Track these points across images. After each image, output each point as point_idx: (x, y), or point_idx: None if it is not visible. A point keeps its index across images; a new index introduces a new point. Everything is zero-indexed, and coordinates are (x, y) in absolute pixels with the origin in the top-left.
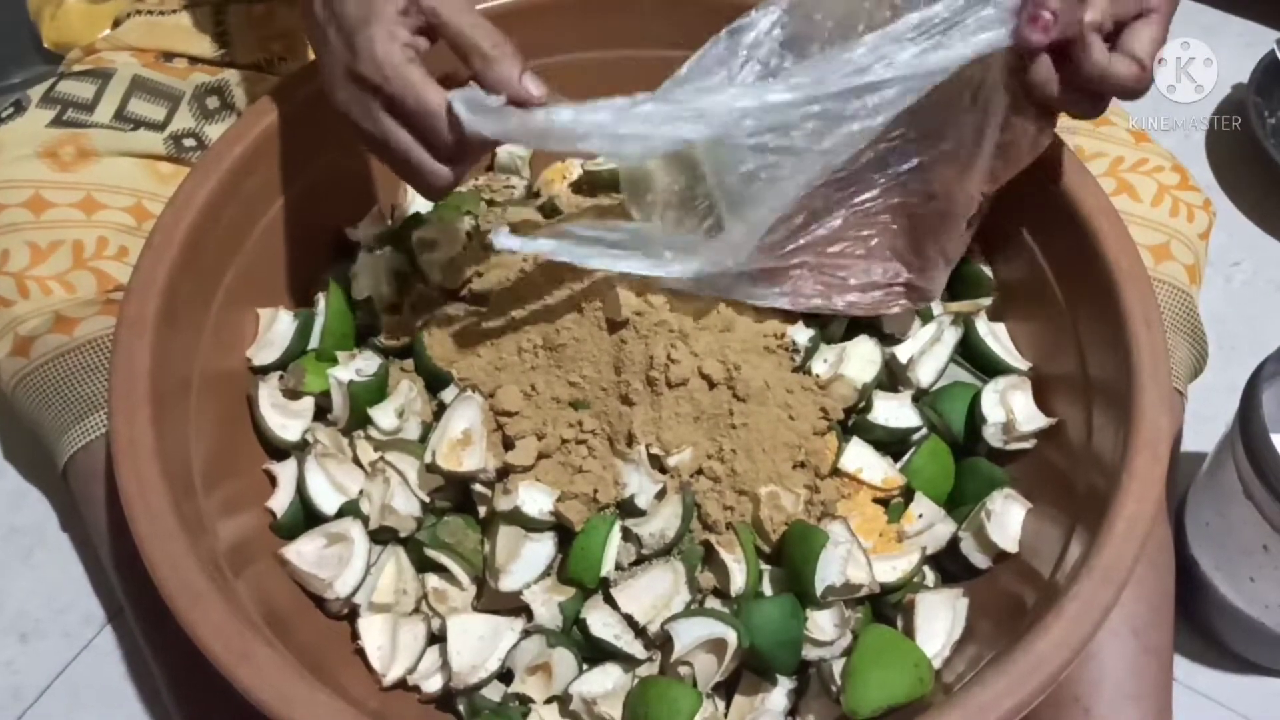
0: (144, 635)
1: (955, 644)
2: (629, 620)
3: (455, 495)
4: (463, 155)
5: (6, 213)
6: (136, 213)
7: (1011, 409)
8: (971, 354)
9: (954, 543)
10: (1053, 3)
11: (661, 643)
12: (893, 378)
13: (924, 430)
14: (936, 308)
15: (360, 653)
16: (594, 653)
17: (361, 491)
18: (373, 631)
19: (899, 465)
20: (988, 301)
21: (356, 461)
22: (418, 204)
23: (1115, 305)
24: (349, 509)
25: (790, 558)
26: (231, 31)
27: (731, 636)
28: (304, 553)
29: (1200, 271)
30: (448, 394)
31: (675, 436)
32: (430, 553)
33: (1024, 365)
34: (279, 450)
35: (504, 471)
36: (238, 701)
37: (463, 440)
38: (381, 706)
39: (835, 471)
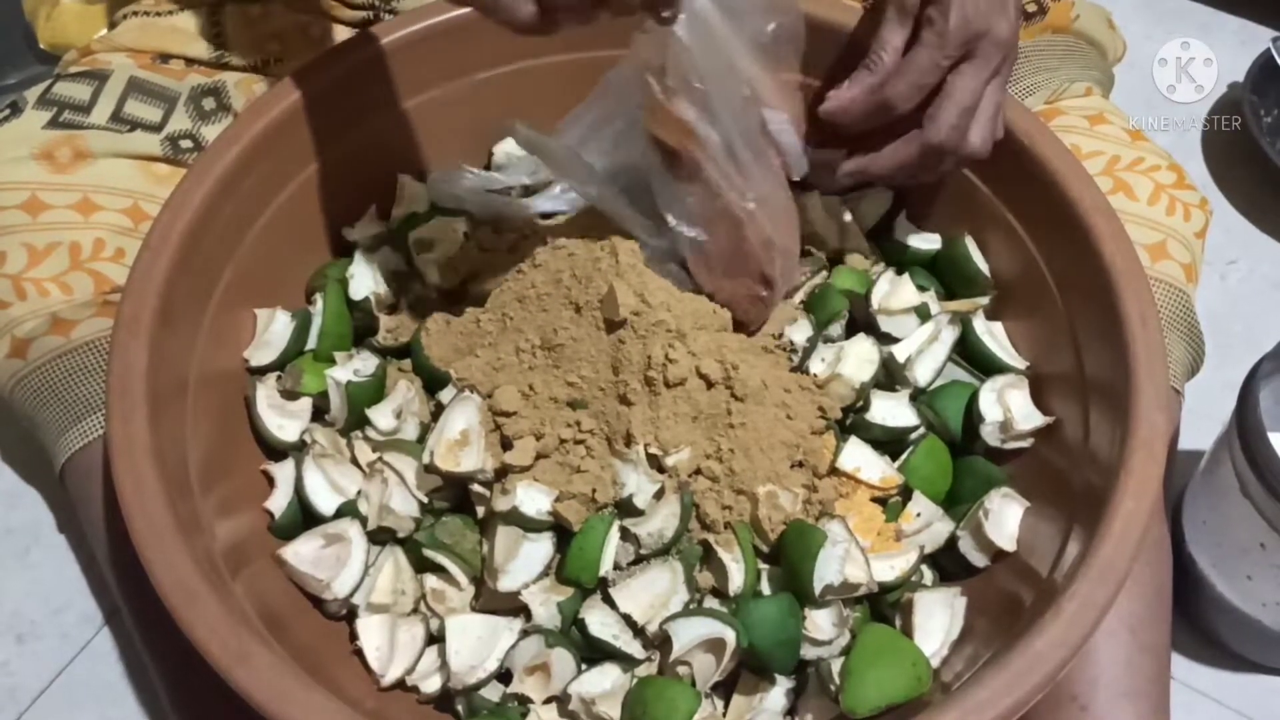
0: (141, 636)
1: (953, 643)
2: (627, 620)
3: (453, 495)
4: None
5: (3, 215)
6: (133, 214)
7: (1009, 408)
8: (969, 353)
9: (952, 541)
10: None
11: (660, 642)
12: (890, 377)
13: (922, 429)
14: (934, 307)
15: (358, 653)
16: (592, 652)
17: (359, 492)
18: (371, 632)
19: (897, 464)
20: (985, 300)
21: (354, 462)
22: (415, 204)
23: (1112, 304)
24: (347, 509)
25: (788, 557)
26: (228, 33)
27: (730, 636)
28: (301, 553)
29: (1197, 270)
30: (446, 394)
31: (673, 436)
32: (428, 553)
33: (1021, 364)
34: (276, 451)
35: (502, 471)
36: (235, 702)
37: (461, 440)
38: (380, 707)
39: (833, 470)
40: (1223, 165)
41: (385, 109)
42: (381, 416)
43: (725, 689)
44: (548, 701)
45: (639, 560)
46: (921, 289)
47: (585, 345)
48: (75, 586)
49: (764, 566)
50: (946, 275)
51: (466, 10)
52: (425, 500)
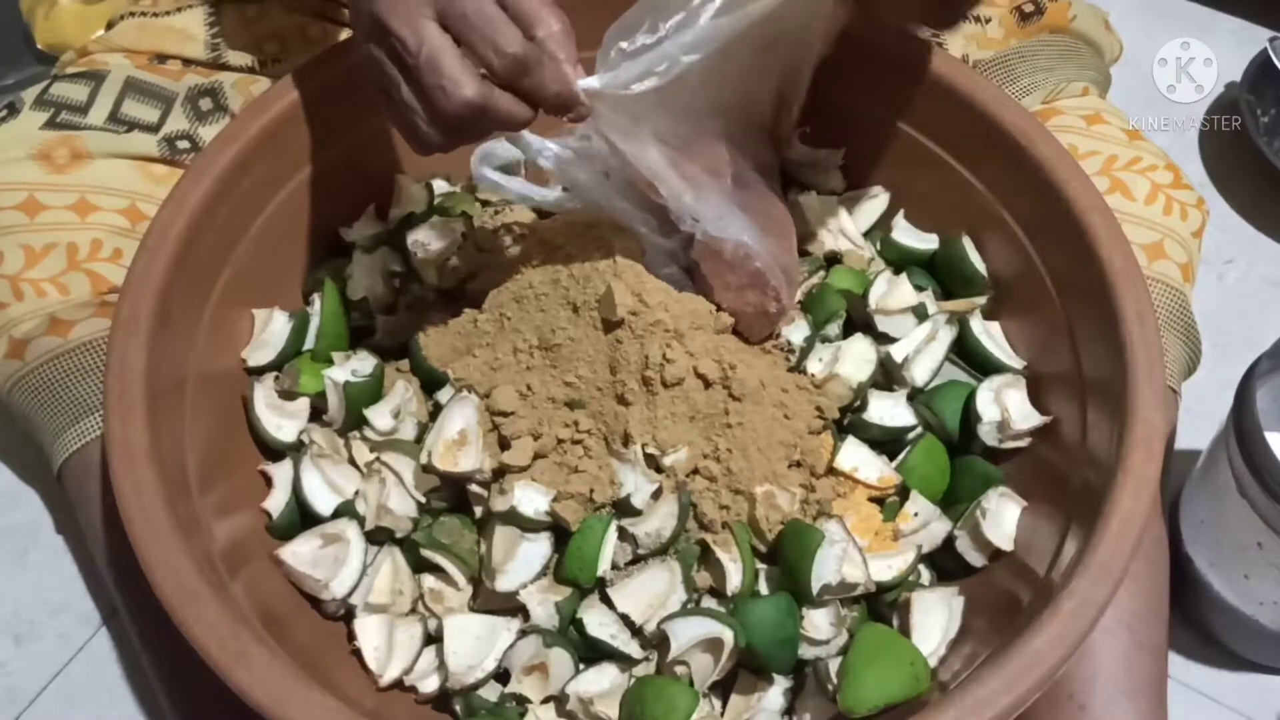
0: (140, 636)
1: (951, 642)
2: (625, 620)
3: (451, 496)
4: (458, 129)
5: (0, 215)
6: (130, 214)
7: (1006, 407)
8: (966, 353)
9: (949, 541)
10: None
11: (658, 642)
12: (888, 376)
13: (919, 429)
14: (932, 306)
15: (356, 653)
16: (591, 652)
17: (357, 492)
18: (369, 632)
19: (894, 464)
20: (982, 300)
21: (352, 462)
22: (413, 204)
23: (1109, 304)
24: (345, 510)
25: (786, 556)
26: (225, 33)
27: (728, 635)
28: (300, 553)
29: (1194, 269)
30: (443, 394)
31: (671, 436)
32: (426, 553)
33: (1019, 364)
34: (274, 451)
35: (500, 472)
36: (234, 702)
37: (459, 440)
38: (378, 707)
39: (831, 470)
40: (1220, 165)
41: None
42: (379, 417)
43: (723, 688)
44: (546, 701)
45: (637, 560)
46: (919, 289)
47: (583, 345)
48: (74, 587)
49: (762, 566)
50: (944, 275)
51: None
52: (423, 500)
